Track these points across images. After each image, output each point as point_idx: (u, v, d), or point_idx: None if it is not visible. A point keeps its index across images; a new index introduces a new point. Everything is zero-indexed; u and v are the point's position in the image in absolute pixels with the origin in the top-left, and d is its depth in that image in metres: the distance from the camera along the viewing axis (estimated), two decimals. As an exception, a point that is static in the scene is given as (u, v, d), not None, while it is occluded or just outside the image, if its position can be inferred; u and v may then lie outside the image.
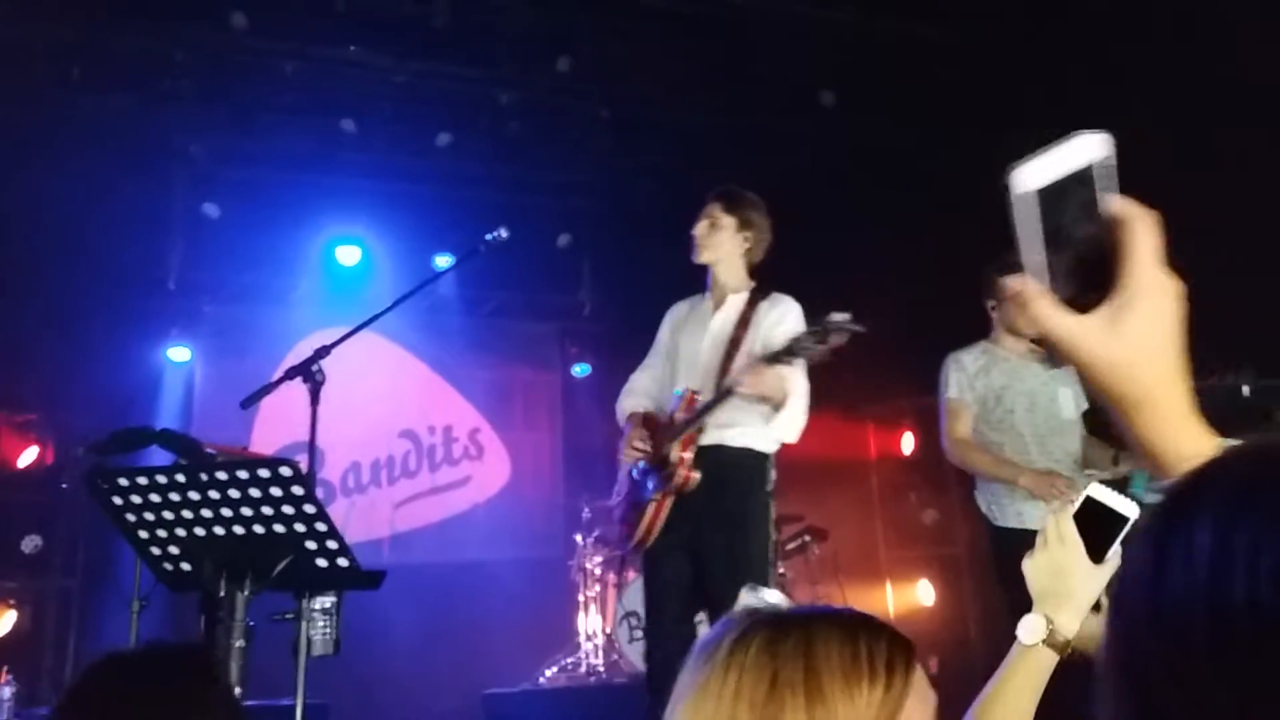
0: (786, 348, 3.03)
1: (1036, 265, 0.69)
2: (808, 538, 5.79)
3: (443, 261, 6.39)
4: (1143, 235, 0.68)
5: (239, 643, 2.40)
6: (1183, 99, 4.94)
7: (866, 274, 6.19)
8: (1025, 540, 3.52)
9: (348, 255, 6.90)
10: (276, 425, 6.07)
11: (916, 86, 6.56)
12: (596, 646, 5.69)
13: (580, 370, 7.24)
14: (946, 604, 6.33)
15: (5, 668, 4.72)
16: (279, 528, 2.43)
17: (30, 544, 5.69)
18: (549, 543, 6.48)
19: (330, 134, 6.71)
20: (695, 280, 7.00)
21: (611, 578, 5.81)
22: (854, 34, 6.33)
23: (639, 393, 3.61)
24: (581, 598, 5.82)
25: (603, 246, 7.55)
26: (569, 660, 5.80)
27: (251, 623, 2.46)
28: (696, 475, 3.25)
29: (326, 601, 2.69)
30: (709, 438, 3.29)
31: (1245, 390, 3.27)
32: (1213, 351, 4.41)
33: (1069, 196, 0.68)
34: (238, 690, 2.36)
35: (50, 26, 5.74)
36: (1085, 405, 3.80)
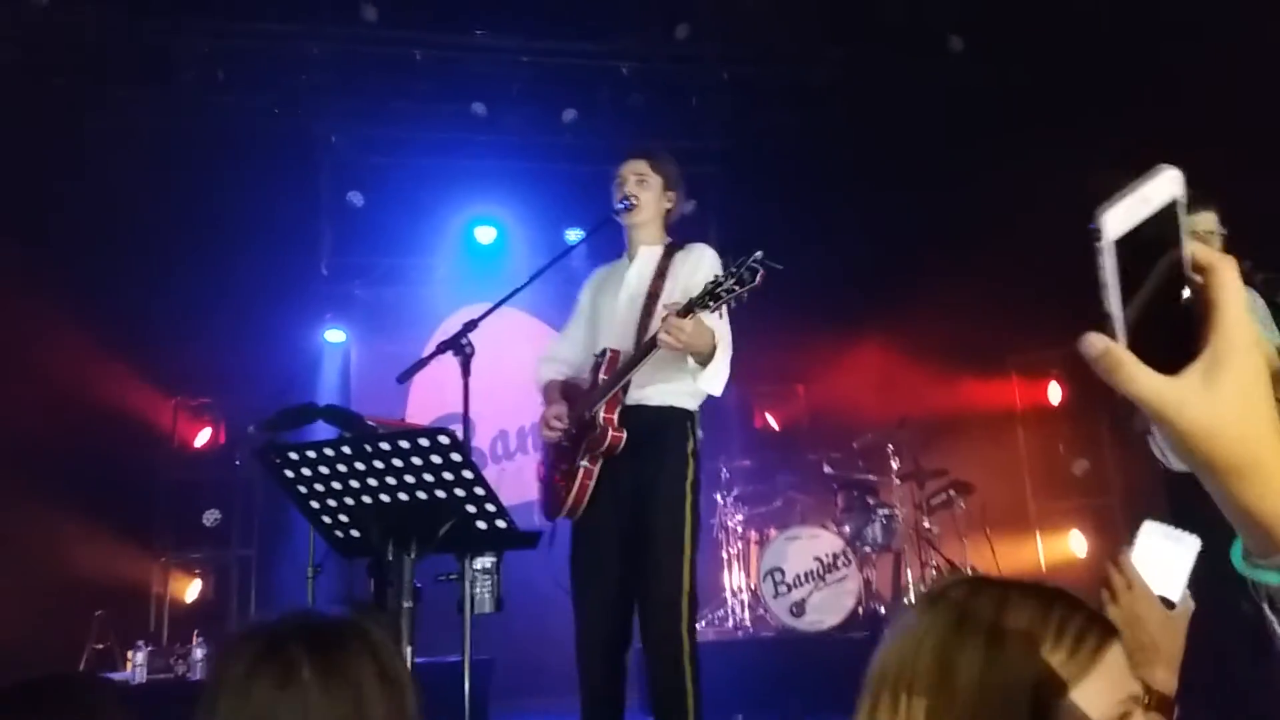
0: (704, 293, 2.83)
1: (1116, 319, 0.62)
2: (952, 492, 5.72)
3: (573, 235, 6.53)
4: (1229, 286, 0.62)
5: (407, 604, 2.56)
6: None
7: (1006, 223, 6.03)
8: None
9: (485, 235, 7.15)
10: (429, 399, 6.37)
11: (1048, 31, 6.29)
12: (742, 602, 5.79)
13: (713, 336, 7.29)
14: (1100, 556, 6.15)
15: (196, 631, 5.16)
16: (440, 493, 2.58)
17: (210, 518, 6.18)
18: (690, 503, 6.59)
19: (462, 118, 6.95)
20: (827, 244, 6.99)
21: (753, 535, 5.88)
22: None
23: (557, 359, 3.45)
24: (725, 555, 5.92)
25: (728, 211, 7.56)
26: (717, 615, 5.92)
27: (419, 584, 2.63)
28: (623, 435, 3.11)
29: (487, 562, 2.84)
30: (630, 398, 3.15)
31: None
32: None
33: (1149, 241, 0.63)
34: (408, 649, 2.53)
35: (191, 36, 6.11)
36: (1279, 342, 3.61)
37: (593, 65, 7.02)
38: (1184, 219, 0.63)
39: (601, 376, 3.20)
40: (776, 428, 7.11)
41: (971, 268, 6.07)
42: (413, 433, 2.55)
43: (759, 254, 2.82)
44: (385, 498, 2.64)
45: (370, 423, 3.00)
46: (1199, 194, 3.61)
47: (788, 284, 7.19)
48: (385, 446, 2.55)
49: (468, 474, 2.53)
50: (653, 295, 3.25)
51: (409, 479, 2.59)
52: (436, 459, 2.52)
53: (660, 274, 3.30)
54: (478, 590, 2.82)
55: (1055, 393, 6.55)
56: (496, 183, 6.99)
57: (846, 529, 5.52)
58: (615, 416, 3.15)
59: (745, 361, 3.21)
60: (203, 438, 6.52)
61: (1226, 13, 5.18)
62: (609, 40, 6.91)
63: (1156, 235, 0.63)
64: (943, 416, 6.34)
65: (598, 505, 3.14)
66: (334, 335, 6.94)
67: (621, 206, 3.35)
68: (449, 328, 3.18)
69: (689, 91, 7.28)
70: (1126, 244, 0.62)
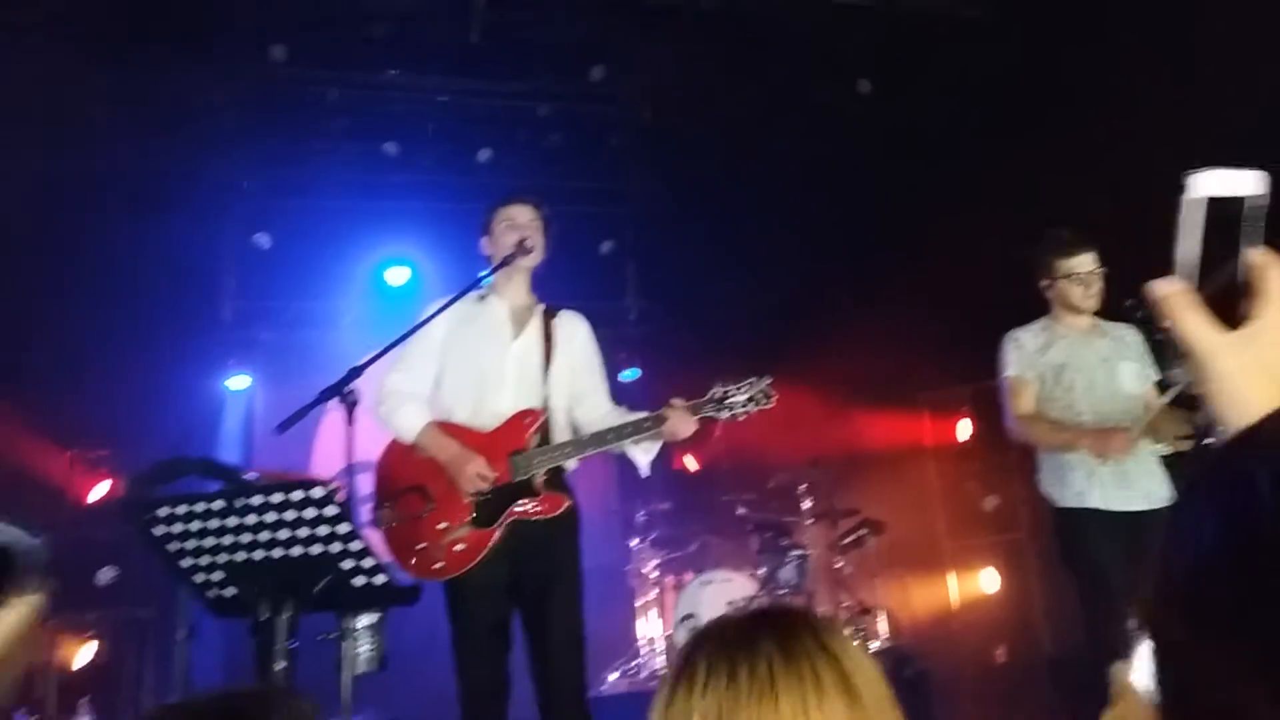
0: (715, 400, 3.01)
1: (1189, 266, 0.74)
2: (864, 531, 5.72)
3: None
4: (1276, 278, 0.75)
5: (281, 665, 2.45)
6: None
7: (915, 261, 6.12)
8: (1086, 519, 3.48)
9: (397, 276, 7.03)
10: (336, 449, 6.19)
11: (954, 71, 6.46)
12: (656, 650, 5.71)
13: (628, 375, 7.26)
14: (1012, 591, 6.21)
15: (87, 697, 4.91)
16: (315, 549, 2.48)
17: (106, 576, 5.90)
18: (604, 549, 6.50)
19: (374, 158, 6.86)
20: (739, 282, 7.03)
21: (669, 580, 5.82)
22: (887, 22, 6.25)
23: (417, 395, 3.24)
24: (640, 602, 5.83)
25: (646, 251, 7.58)
26: (630, 665, 5.82)
27: (295, 644, 2.51)
28: (565, 501, 3.10)
29: (369, 619, 2.73)
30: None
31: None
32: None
33: (1225, 217, 0.74)
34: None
35: (91, 74, 5.94)
36: (1154, 377, 3.71)
37: (510, 105, 7.00)
38: (1260, 217, 0.75)
39: (532, 436, 3.13)
40: (695, 468, 7.07)
41: (885, 306, 6.15)
42: (286, 485, 2.46)
43: (769, 379, 3.06)
44: (259, 554, 2.53)
45: (249, 475, 2.89)
46: (1080, 236, 3.71)
47: (705, 324, 7.24)
48: (257, 500, 2.45)
49: (343, 528, 2.44)
50: (546, 358, 3.27)
51: (283, 534, 2.48)
52: (311, 512, 2.43)
53: (547, 337, 3.31)
54: (360, 649, 2.71)
55: (965, 429, 6.63)
56: (409, 223, 6.91)
57: (761, 571, 5.48)
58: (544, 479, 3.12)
59: (665, 401, 3.16)
60: (99, 491, 6.24)
61: (1116, 63, 5.37)
62: (527, 80, 6.90)
63: (1234, 217, 0.74)
64: (856, 454, 6.38)
65: (490, 566, 3.05)
66: (237, 382, 6.74)
67: (522, 249, 3.32)
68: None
69: (608, 133, 7.30)
70: (1206, 208, 0.74)
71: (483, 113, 6.94)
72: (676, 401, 3.03)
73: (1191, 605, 0.49)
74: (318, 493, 2.41)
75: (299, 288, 6.82)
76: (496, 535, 3.05)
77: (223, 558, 2.55)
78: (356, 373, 3.00)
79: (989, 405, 6.25)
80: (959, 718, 5.25)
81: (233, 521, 2.47)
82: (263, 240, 6.70)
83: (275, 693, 1.09)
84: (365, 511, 3.29)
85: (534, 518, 3.08)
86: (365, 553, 2.52)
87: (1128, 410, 3.65)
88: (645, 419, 3.05)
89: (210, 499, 2.46)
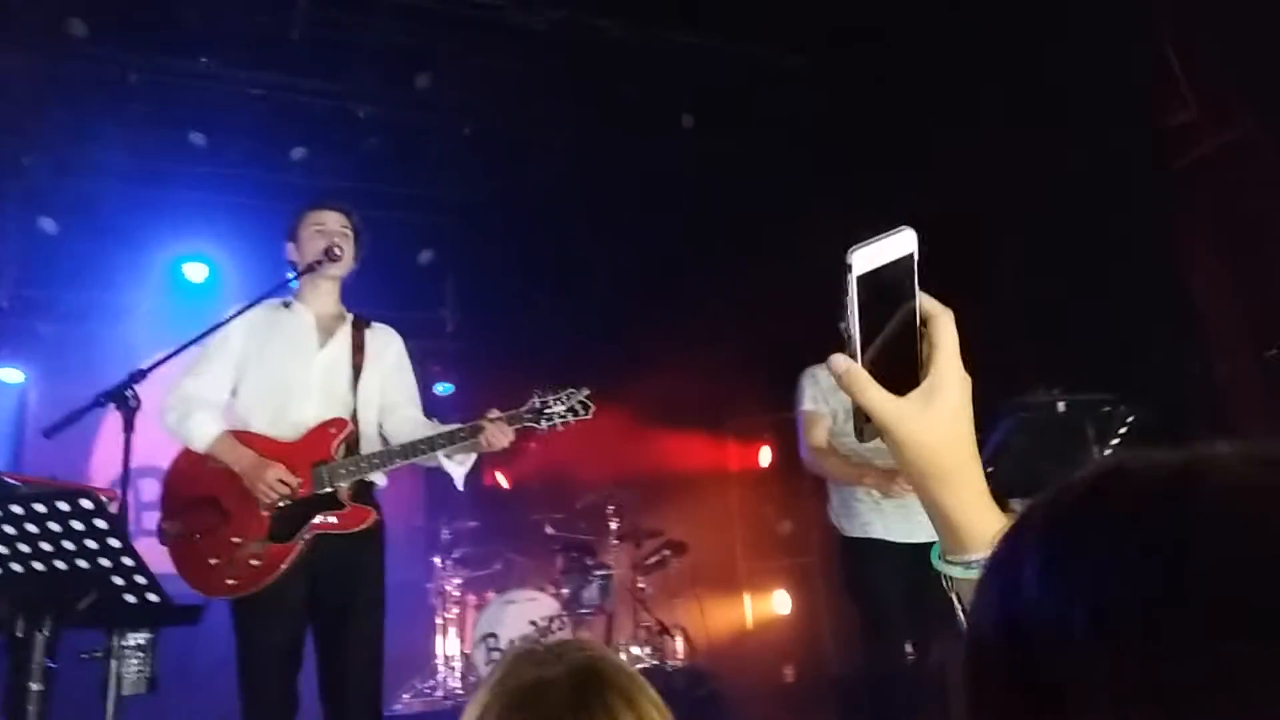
0: (534, 411, 3.00)
1: (855, 341, 0.76)
2: (667, 552, 5.84)
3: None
4: (946, 330, 0.77)
5: (36, 686, 2.27)
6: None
7: (729, 291, 6.33)
8: (870, 548, 3.68)
9: (195, 272, 6.66)
10: (117, 450, 5.78)
11: (775, 113, 6.74)
12: (454, 669, 5.62)
13: (442, 390, 7.14)
14: (802, 613, 6.48)
15: None
16: (82, 563, 2.31)
17: None
18: (408, 566, 6.36)
19: (178, 147, 6.48)
20: (558, 300, 7.06)
21: (471, 599, 5.74)
22: (714, 59, 6.46)
23: (211, 404, 3.08)
24: (440, 620, 5.73)
25: (466, 264, 7.49)
26: (426, 685, 5.70)
27: (53, 664, 2.33)
28: (372, 514, 3.02)
29: (140, 638, 2.56)
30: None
31: (1060, 406, 3.45)
32: (1032, 370, 4.66)
33: (887, 284, 0.75)
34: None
35: None
36: None
37: (328, 105, 6.78)
38: (916, 272, 0.77)
39: (338, 447, 3.02)
40: (506, 486, 7.02)
41: (697, 333, 6.32)
42: (50, 494, 2.29)
43: (587, 391, 3.06)
44: (18, 566, 2.34)
45: (11, 480, 2.66)
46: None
47: (522, 341, 7.21)
48: (18, 509, 2.27)
49: (114, 541, 2.28)
50: (356, 369, 3.17)
51: (46, 546, 2.30)
52: (78, 524, 2.27)
53: (358, 348, 3.21)
54: (127, 669, 2.53)
55: (766, 456, 6.88)
56: (211, 218, 6.56)
57: (564, 591, 5.49)
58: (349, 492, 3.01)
59: (479, 416, 3.12)
60: None
61: (921, 113, 5.75)
62: (347, 81, 6.71)
63: (894, 280, 0.76)
64: (663, 476, 6.50)
65: (286, 583, 2.92)
66: (10, 375, 6.20)
67: (330, 257, 3.21)
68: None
69: (429, 141, 7.18)
70: (869, 281, 0.75)
71: (299, 110, 6.69)
72: (493, 412, 2.98)
73: (973, 672, 0.50)
74: (87, 504, 2.25)
75: (87, 278, 6.35)
76: (296, 550, 2.92)
77: (-26, 570, 2.34)
78: (139, 376, 2.82)
79: (789, 434, 6.54)
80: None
81: (-12, 531, 2.27)
82: (48, 225, 6.21)
83: None
84: (150, 523, 3.09)
85: (337, 532, 2.97)
86: (139, 569, 2.37)
87: None
88: (460, 429, 2.99)
89: (-38, 506, 2.26)
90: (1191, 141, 5.83)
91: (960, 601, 0.77)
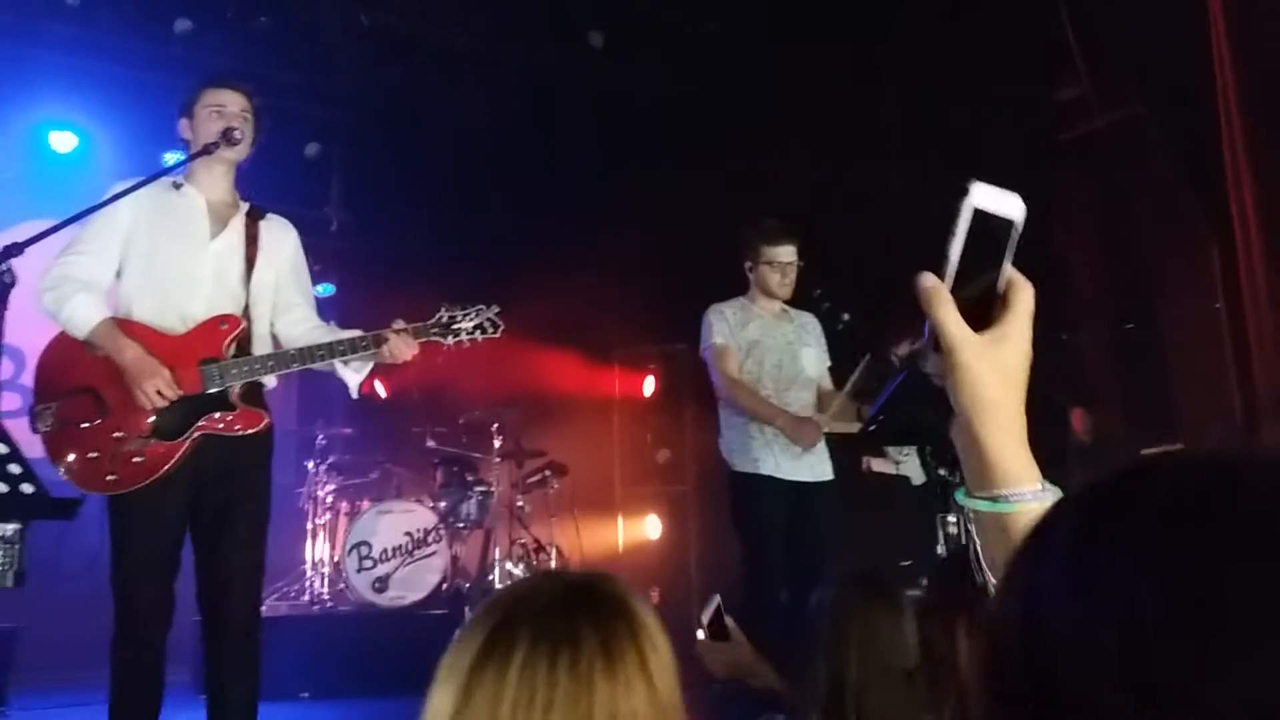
0: (441, 325, 2.92)
1: (950, 266, 0.78)
2: (548, 472, 5.87)
3: (171, 159, 5.83)
4: (1026, 298, 0.81)
5: (-104, 575, 2.12)
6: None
7: (620, 222, 6.30)
8: (758, 483, 3.79)
9: (63, 141, 6.18)
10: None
11: (687, 36, 6.67)
12: (323, 575, 5.54)
13: (323, 290, 6.88)
14: (671, 539, 6.66)
15: None
16: (-49, 448, 2.16)
17: None
18: (280, 469, 6.16)
19: (49, 5, 5.95)
20: (449, 210, 6.87)
21: (344, 506, 5.64)
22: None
23: (94, 287, 2.85)
24: (310, 525, 5.62)
25: (354, 160, 7.19)
26: (292, 588, 5.61)
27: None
28: (264, 419, 2.91)
29: (7, 530, 2.42)
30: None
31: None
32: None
33: (992, 230, 0.78)
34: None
35: None
36: (829, 363, 4.11)
37: (219, -23, 6.33)
38: (1013, 243, 0.80)
39: (229, 345, 2.87)
40: (384, 395, 6.87)
41: (590, 259, 6.28)
42: (-78, 373, 2.11)
43: (497, 309, 2.98)
44: (-124, 448, 2.17)
45: None
46: (785, 227, 4.00)
47: (410, 247, 7.01)
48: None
49: (-9, 428, 2.14)
50: (249, 262, 3.00)
51: (-88, 428, 2.14)
52: (-48, 407, 2.11)
53: (251, 240, 3.03)
54: (-5, 561, 2.40)
55: (650, 385, 6.96)
56: (84, 85, 6.08)
57: (442, 504, 5.46)
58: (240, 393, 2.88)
59: (358, 321, 3.02)
60: None
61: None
62: (238, -48, 6.27)
63: (996, 235, 0.79)
64: (548, 399, 6.50)
65: (172, 480, 2.78)
66: None
67: (228, 140, 3.01)
68: (9, 238, 2.64)
69: (324, 28, 6.80)
70: (980, 219, 0.78)
71: (184, -24, 6.23)
72: (398, 323, 2.89)
73: (991, 659, 0.50)
74: (-36, 384, 2.09)
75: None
76: (182, 450, 2.78)
77: None
78: (15, 249, 2.59)
79: (673, 365, 6.64)
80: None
81: None
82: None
83: None
84: (20, 407, 2.89)
85: (226, 434, 2.84)
86: (13, 456, 2.23)
87: (805, 390, 4.01)
88: (363, 338, 2.88)
89: None
90: (1080, 116, 6.08)
91: (975, 540, 0.81)
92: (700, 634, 2.68)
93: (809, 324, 4.16)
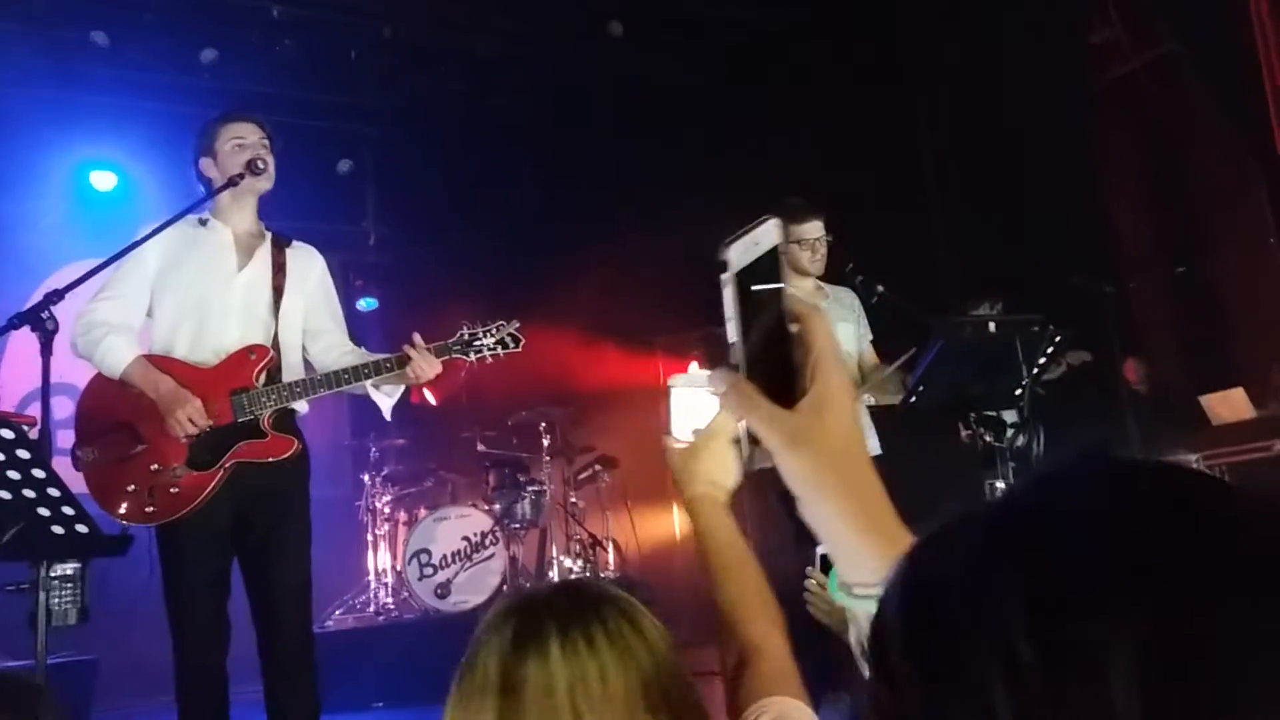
0: (463, 342, 2.95)
1: (738, 349, 0.68)
2: (598, 467, 5.90)
3: (210, 189, 5.96)
4: (823, 331, 0.69)
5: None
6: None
7: (656, 204, 6.28)
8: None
9: (103, 180, 6.34)
10: (23, 371, 5.56)
11: (706, 25, 6.61)
12: (386, 585, 5.64)
13: (366, 304, 6.99)
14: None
15: None
16: (4, 494, 2.24)
17: None
18: (336, 483, 6.30)
19: (80, 47, 6.10)
20: (484, 215, 6.91)
21: (402, 515, 5.73)
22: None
23: (124, 328, 2.93)
24: (370, 537, 5.72)
25: (388, 174, 7.27)
26: (358, 600, 5.72)
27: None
28: (294, 444, 2.93)
29: (68, 568, 2.50)
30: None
31: (991, 327, 3.51)
32: (968, 288, 4.74)
33: (759, 279, 0.68)
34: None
35: None
36: (869, 337, 4.05)
37: (238, 3, 6.42)
38: (785, 267, 0.69)
39: (259, 374, 2.92)
40: (434, 403, 6.96)
41: (625, 249, 6.28)
42: (-33, 424, 2.18)
43: (517, 323, 3.02)
44: (-65, 499, 2.25)
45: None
46: (810, 204, 3.95)
47: (448, 255, 7.06)
48: (-68, 440, 2.16)
49: (38, 472, 2.21)
50: (277, 291, 3.05)
51: (-36, 477, 2.21)
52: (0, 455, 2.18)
53: (279, 268, 3.08)
54: (57, 600, 2.47)
55: (694, 371, 6.94)
56: (119, 123, 6.22)
57: (496, 507, 5.52)
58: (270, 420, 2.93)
59: (404, 334, 3.05)
60: None
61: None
62: (259, -21, 6.35)
63: (764, 277, 0.68)
64: (594, 394, 6.52)
65: (210, 512, 2.85)
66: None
67: (253, 170, 3.07)
68: (57, 283, 2.73)
69: (347, 44, 6.87)
70: (745, 278, 0.67)
71: (206, 8, 6.33)
72: (419, 341, 2.92)
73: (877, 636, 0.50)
74: (7, 434, 2.16)
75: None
76: (217, 479, 2.85)
77: (-113, 502, 2.25)
78: (56, 297, 2.67)
79: (717, 349, 6.57)
80: (678, 640, 5.55)
81: (-98, 463, 2.17)
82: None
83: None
84: (62, 442, 2.97)
85: (259, 460, 2.91)
86: (66, 499, 2.30)
87: (846, 365, 3.96)
88: (386, 359, 2.93)
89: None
90: (1115, 59, 5.91)
91: (862, 642, 0.72)
92: (811, 582, 2.61)
93: (845, 298, 4.10)
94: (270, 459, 2.92)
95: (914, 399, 3.43)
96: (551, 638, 0.94)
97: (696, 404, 1.27)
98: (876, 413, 3.94)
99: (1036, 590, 0.43)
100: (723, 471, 1.25)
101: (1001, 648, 0.42)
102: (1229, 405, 4.76)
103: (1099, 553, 0.43)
